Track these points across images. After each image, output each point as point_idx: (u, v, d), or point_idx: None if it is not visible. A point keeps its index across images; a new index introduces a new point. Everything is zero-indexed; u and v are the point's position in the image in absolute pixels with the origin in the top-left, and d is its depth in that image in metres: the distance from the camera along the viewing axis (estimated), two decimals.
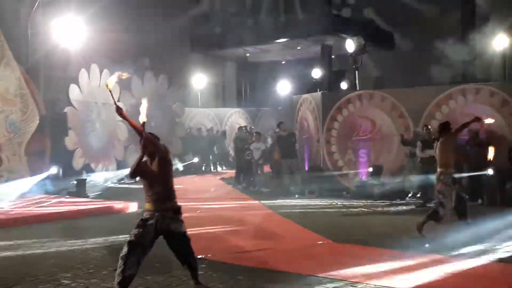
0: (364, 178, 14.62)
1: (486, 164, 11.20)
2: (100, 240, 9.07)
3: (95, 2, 17.76)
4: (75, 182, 14.87)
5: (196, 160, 21.45)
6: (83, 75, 17.61)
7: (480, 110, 13.03)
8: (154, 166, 5.68)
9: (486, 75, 19.57)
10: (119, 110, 5.85)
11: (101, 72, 18.05)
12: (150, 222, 5.61)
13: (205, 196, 14.88)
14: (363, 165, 14.82)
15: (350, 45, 17.05)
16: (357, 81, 17.28)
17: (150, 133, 5.77)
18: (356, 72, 17.21)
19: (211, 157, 22.88)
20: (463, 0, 21.98)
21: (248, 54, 27.32)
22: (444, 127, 9.33)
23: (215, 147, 22.85)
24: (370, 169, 14.51)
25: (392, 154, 14.44)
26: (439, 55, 20.16)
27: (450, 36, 20.74)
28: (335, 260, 7.58)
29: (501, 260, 7.37)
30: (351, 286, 6.20)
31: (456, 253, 7.76)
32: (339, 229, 10.00)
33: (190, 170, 20.87)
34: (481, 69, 20.93)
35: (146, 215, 5.68)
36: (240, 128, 19.53)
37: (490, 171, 11.68)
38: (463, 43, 20.81)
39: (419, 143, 12.61)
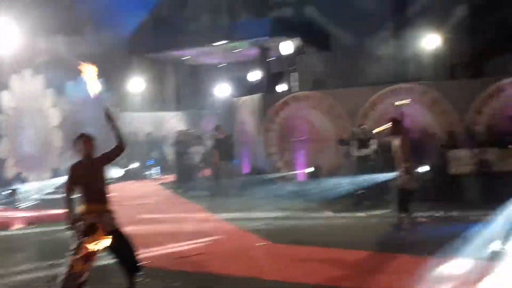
0: (302, 179, 14.74)
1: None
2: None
3: (26, 4, 17.13)
4: (6, 192, 14.29)
5: (136, 165, 21.07)
6: (15, 80, 16.98)
7: (412, 109, 13.40)
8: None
9: (419, 74, 20.13)
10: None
11: (33, 77, 17.44)
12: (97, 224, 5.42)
13: (145, 202, 14.61)
14: (301, 166, 14.95)
15: (288, 47, 17.20)
16: (295, 83, 17.45)
17: (84, 134, 5.71)
18: (295, 73, 17.37)
19: (150, 162, 22.52)
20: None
21: (187, 57, 27.10)
22: (398, 124, 9.51)
23: (154, 152, 22.51)
24: (309, 170, 14.64)
25: (330, 155, 14.64)
26: (374, 55, 20.62)
27: (384, 36, 21.24)
28: (274, 261, 7.58)
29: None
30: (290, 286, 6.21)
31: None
32: (279, 230, 10.03)
33: (129, 175, 20.48)
34: (415, 69, 21.53)
35: (88, 218, 5.46)
36: (179, 131, 19.32)
37: (426, 168, 12.01)
38: (397, 43, 21.35)
39: (354, 142, 12.82)
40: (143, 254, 7.73)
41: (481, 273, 6.57)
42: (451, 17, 20.25)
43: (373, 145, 12.69)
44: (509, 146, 11.78)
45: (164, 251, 8.44)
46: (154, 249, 8.49)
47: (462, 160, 12.19)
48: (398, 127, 9.46)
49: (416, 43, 19.85)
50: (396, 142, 9.43)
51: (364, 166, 12.68)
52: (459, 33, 20.40)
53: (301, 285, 6.30)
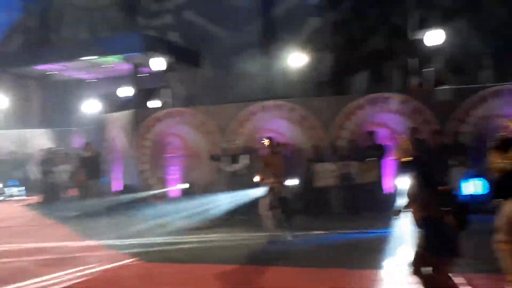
0: (176, 196, 14.67)
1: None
2: None
3: None
4: None
5: None
6: None
7: (281, 125, 13.93)
8: None
9: (287, 91, 20.87)
10: None
11: None
12: None
13: (7, 225, 13.69)
14: (174, 182, 14.88)
15: (160, 63, 17.11)
16: (168, 99, 17.37)
17: None
18: (167, 90, 17.29)
19: (13, 182, 21.21)
20: (261, 16, 23.15)
21: (53, 72, 25.97)
22: (273, 140, 9.90)
23: (17, 171, 21.26)
24: (183, 187, 14.59)
25: (203, 171, 14.72)
26: (244, 72, 21.10)
27: (254, 53, 21.81)
28: (144, 280, 7.47)
29: None
30: None
31: None
32: (155, 251, 9.86)
33: None
34: (283, 86, 22.29)
35: None
36: (45, 149, 18.45)
37: (295, 181, 12.46)
38: (266, 60, 21.99)
39: (226, 158, 13.02)
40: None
41: (351, 282, 6.94)
42: (316, 35, 21.29)
43: (245, 159, 12.97)
44: (367, 160, 12.57)
45: (29, 275, 7.95)
46: (19, 274, 7.98)
47: (326, 173, 12.82)
48: (275, 143, 9.89)
49: (284, 61, 20.59)
50: (269, 158, 9.73)
51: (236, 181, 12.92)
52: (324, 52, 21.50)
53: None
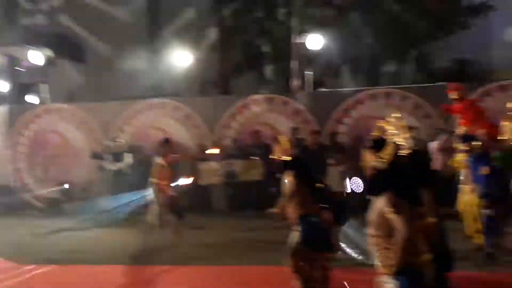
0: (54, 195, 14.11)
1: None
2: None
3: None
4: None
5: None
6: None
7: (166, 123, 13.89)
8: None
9: (173, 90, 20.75)
10: None
11: None
12: None
13: None
14: (52, 181, 14.30)
15: (38, 57, 16.34)
16: (47, 95, 16.64)
17: None
18: (46, 85, 16.55)
19: None
20: (149, 9, 22.73)
21: None
22: (166, 142, 9.90)
23: None
24: (63, 186, 14.06)
25: (83, 169, 14.30)
26: (130, 70, 20.67)
27: (140, 51, 21.44)
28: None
29: None
30: None
31: None
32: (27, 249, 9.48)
33: None
34: (169, 84, 22.12)
35: None
36: None
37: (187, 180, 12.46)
38: (152, 59, 21.71)
39: (109, 156, 12.75)
40: None
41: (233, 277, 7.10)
42: (202, 35, 21.37)
43: (128, 158, 12.77)
44: (251, 158, 12.87)
45: None
46: None
47: (210, 172, 12.97)
48: (166, 146, 9.82)
49: (170, 60, 20.44)
50: (159, 160, 9.64)
51: (119, 180, 12.69)
52: (210, 52, 21.65)
53: None
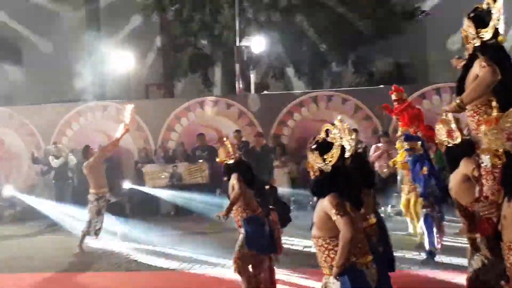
0: None
1: None
2: None
3: None
4: None
5: None
6: None
7: (109, 126, 13.66)
8: None
9: (115, 93, 20.35)
10: None
11: None
12: None
13: None
14: None
15: None
16: None
17: None
18: None
19: None
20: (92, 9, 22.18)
21: None
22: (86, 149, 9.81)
23: None
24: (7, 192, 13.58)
25: (22, 173, 13.92)
26: (71, 71, 20.12)
27: (82, 53, 20.90)
28: None
29: None
30: None
31: None
32: None
33: None
34: (111, 87, 21.67)
35: None
36: None
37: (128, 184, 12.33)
38: (95, 60, 21.14)
39: (51, 158, 12.44)
40: None
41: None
42: (147, 37, 21.08)
43: (71, 161, 12.52)
44: (196, 162, 12.87)
45: None
46: None
47: (155, 174, 12.87)
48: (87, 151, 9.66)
49: (114, 62, 20.07)
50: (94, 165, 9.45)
51: (62, 185, 12.45)
52: (154, 54, 21.42)
53: None
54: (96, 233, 9.21)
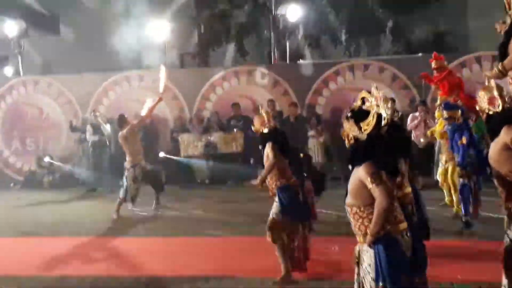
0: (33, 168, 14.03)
1: None
2: None
3: None
4: None
5: None
6: None
7: (144, 96, 13.74)
8: None
9: (152, 62, 20.47)
10: None
11: None
12: None
13: None
14: (31, 154, 14.19)
15: (11, 28, 15.99)
16: (21, 67, 16.32)
17: None
18: (19, 57, 16.22)
19: None
20: None
21: None
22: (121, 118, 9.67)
23: None
24: (42, 159, 13.92)
25: (62, 142, 14.19)
26: (105, 41, 20.32)
27: (119, 23, 21.06)
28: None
29: None
30: None
31: None
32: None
33: None
34: (147, 56, 21.83)
35: None
36: None
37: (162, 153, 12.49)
38: (130, 30, 21.29)
39: (89, 127, 12.65)
40: None
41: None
42: (181, 7, 21.07)
43: (107, 130, 12.68)
44: (231, 131, 12.90)
45: None
46: None
47: (190, 144, 12.97)
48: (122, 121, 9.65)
49: (148, 32, 20.16)
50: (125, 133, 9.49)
51: (100, 152, 12.66)
52: (189, 24, 21.42)
53: None
54: (133, 199, 9.35)
